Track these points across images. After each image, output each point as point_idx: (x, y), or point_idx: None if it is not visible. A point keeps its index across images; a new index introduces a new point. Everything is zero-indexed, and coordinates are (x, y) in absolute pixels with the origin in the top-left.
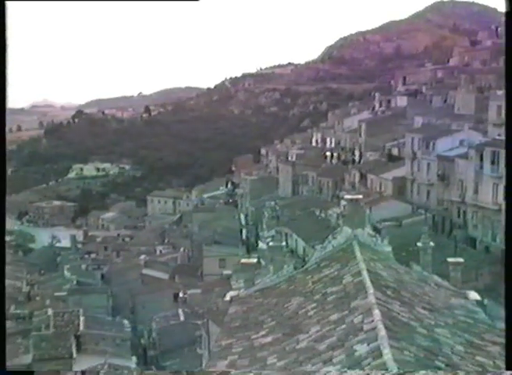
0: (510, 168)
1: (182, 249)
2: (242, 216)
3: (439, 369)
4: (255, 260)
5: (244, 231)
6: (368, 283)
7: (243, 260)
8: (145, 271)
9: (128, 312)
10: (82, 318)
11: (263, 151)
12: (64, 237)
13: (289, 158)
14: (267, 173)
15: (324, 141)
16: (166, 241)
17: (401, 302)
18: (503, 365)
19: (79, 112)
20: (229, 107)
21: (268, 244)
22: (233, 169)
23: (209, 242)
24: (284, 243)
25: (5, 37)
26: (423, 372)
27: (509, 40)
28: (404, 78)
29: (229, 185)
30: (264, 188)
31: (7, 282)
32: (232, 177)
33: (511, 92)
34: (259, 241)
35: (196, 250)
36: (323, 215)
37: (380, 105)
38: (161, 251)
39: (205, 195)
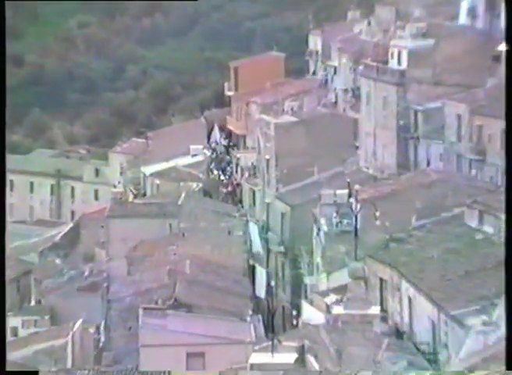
0: (510, 167)
1: (77, 325)
2: (253, 228)
3: None
4: (292, 359)
5: (261, 272)
6: None
7: (256, 358)
8: None
9: None
10: None
11: (313, 44)
12: None
13: (390, 60)
14: (324, 106)
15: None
16: (33, 300)
17: None
18: None
19: None
20: None
21: (330, 310)
22: (228, 93)
23: (158, 304)
24: (377, 309)
25: (5, 37)
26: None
27: (509, 40)
28: None
29: (219, 140)
30: (317, 149)
31: None
32: (224, 119)
33: (511, 94)
34: (303, 302)
35: (118, 328)
36: (489, 229)
37: None
38: (16, 332)
39: (146, 170)
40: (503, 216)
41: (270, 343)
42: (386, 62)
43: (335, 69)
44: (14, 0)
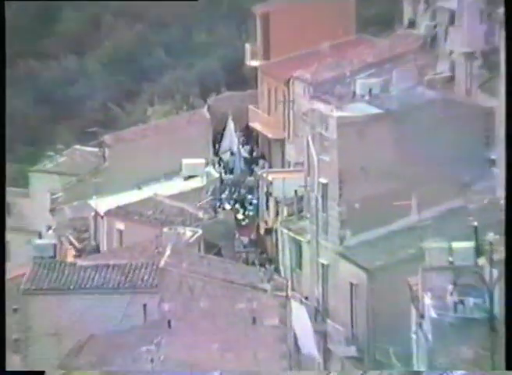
0: (510, 168)
1: None
2: (300, 313)
3: None
4: None
5: None
6: None
7: None
8: None
9: None
10: None
11: None
12: None
13: None
14: (430, 86)
15: None
16: None
17: None
18: None
19: None
20: None
21: None
22: (252, 63)
23: None
24: None
25: (5, 37)
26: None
27: (509, 41)
28: None
29: (235, 149)
30: (417, 165)
31: None
32: (245, 110)
33: (511, 94)
34: None
35: None
36: None
37: None
38: None
39: (100, 204)
40: None
41: None
42: None
43: (451, 15)
44: (14, 0)
